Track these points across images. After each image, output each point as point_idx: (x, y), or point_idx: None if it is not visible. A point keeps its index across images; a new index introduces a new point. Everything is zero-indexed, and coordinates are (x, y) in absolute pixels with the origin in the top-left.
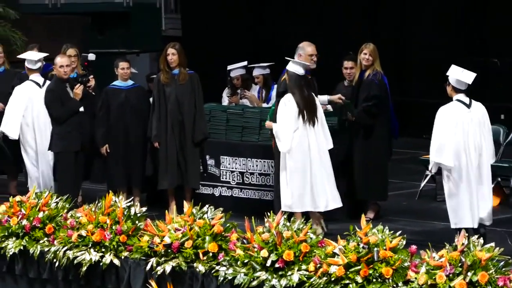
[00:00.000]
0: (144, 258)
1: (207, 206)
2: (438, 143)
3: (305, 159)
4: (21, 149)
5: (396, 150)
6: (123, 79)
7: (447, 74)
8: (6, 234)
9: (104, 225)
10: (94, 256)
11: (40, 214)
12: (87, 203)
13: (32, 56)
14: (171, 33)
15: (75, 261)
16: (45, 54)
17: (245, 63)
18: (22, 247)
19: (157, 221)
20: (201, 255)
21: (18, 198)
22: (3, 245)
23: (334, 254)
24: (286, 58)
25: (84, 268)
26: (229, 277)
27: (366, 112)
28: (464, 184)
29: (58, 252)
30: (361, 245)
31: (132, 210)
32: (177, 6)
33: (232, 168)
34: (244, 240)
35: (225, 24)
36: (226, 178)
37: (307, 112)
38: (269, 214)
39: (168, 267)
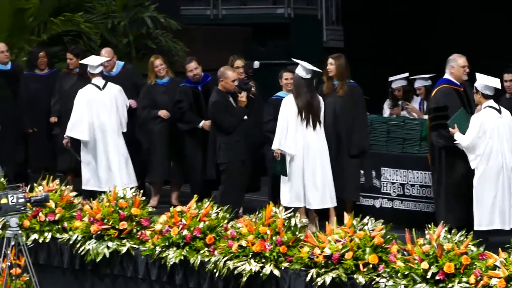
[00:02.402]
0: (304, 269)
1: (367, 217)
2: (477, 150)
3: (303, 159)
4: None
5: None
6: (287, 90)
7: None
8: (167, 244)
9: (264, 236)
10: (254, 266)
11: (201, 225)
12: (248, 213)
13: (93, 61)
14: (333, 44)
15: (235, 272)
16: (106, 59)
17: (406, 74)
18: (182, 257)
19: (317, 232)
20: (361, 267)
21: (179, 208)
22: (164, 255)
23: (495, 267)
24: (292, 59)
25: (244, 279)
26: None
27: None
28: (499, 186)
29: (218, 262)
30: None
31: (293, 221)
32: (338, 17)
33: (393, 179)
34: (405, 252)
35: (387, 35)
36: (386, 190)
37: (307, 114)
38: (429, 226)
39: (328, 278)
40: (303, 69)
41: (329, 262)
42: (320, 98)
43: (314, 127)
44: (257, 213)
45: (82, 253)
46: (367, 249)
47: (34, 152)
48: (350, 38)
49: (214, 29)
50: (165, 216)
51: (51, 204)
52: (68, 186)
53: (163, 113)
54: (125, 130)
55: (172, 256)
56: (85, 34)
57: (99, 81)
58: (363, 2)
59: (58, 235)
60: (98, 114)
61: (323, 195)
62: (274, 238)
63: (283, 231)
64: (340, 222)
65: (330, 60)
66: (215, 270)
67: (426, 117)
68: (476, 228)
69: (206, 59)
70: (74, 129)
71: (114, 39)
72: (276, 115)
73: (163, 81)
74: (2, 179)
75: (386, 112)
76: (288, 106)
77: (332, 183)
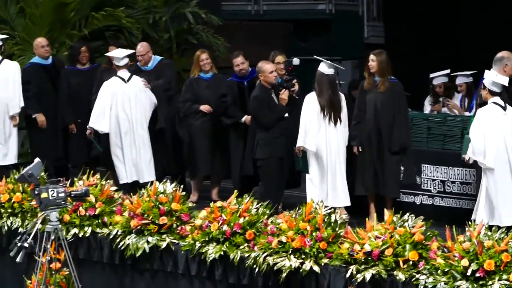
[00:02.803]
0: (344, 265)
1: (407, 214)
2: (479, 146)
3: (326, 156)
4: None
5: None
6: None
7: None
8: (207, 239)
9: (304, 232)
10: (294, 262)
11: (241, 220)
12: (288, 209)
13: (118, 54)
14: (373, 40)
15: (275, 267)
16: (131, 51)
17: (448, 71)
18: (222, 253)
19: (357, 228)
20: (401, 263)
21: (219, 203)
22: (204, 250)
23: None
24: (314, 56)
25: (284, 275)
26: (430, 286)
27: None
28: (508, 181)
29: (258, 258)
30: None
31: (333, 217)
32: (379, 13)
33: (433, 176)
34: (445, 249)
35: (428, 32)
36: (427, 187)
37: (329, 110)
38: (470, 223)
39: (368, 275)
40: (325, 65)
41: (369, 258)
42: (342, 95)
43: (335, 123)
44: (297, 209)
45: (122, 248)
46: (407, 246)
47: (74, 146)
48: (391, 35)
49: (255, 25)
50: (205, 211)
51: (91, 198)
52: (108, 181)
53: (205, 107)
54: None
55: (212, 251)
56: (126, 29)
57: (124, 73)
58: None
59: (98, 230)
60: (123, 106)
61: (339, 193)
62: (314, 234)
63: (323, 227)
64: (380, 218)
65: (372, 57)
66: (254, 266)
67: (467, 114)
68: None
69: (247, 54)
70: (97, 120)
71: (155, 34)
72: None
73: (207, 75)
74: (43, 173)
75: (427, 108)
76: (311, 103)
77: (345, 182)
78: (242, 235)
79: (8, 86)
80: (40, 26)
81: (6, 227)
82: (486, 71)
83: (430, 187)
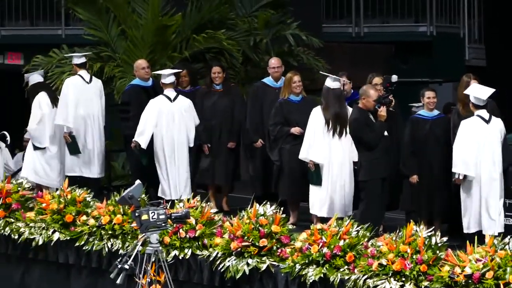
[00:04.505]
0: None
1: (508, 237)
2: (462, 157)
3: (328, 168)
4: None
5: None
6: (429, 109)
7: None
8: (307, 261)
9: (405, 254)
10: (394, 285)
11: (341, 242)
12: (388, 231)
13: (165, 72)
14: (475, 63)
15: None
16: (177, 70)
17: None
18: (322, 275)
19: (458, 251)
20: (502, 286)
21: (319, 226)
22: (303, 273)
23: None
24: (320, 72)
25: None
26: None
27: None
28: (474, 192)
29: (358, 281)
30: None
31: (433, 240)
32: (481, 35)
33: None
34: None
35: None
36: None
37: (334, 123)
38: None
39: None
40: (330, 80)
41: (470, 281)
42: (349, 108)
43: (340, 136)
44: (397, 231)
45: (222, 270)
46: (508, 269)
47: None
48: (492, 57)
49: (356, 47)
50: (305, 233)
51: (192, 220)
52: (209, 203)
53: (296, 129)
54: (192, 145)
55: (312, 273)
56: (227, 51)
57: (171, 92)
58: (507, 21)
59: (198, 252)
60: (167, 125)
61: (338, 203)
62: (414, 256)
63: (423, 250)
64: (481, 241)
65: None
66: None
67: None
68: (465, 231)
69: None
70: (140, 135)
71: (256, 57)
72: (414, 134)
73: (296, 98)
74: (144, 195)
75: None
76: (316, 117)
77: (351, 194)
78: (342, 258)
79: (100, 102)
80: (141, 48)
81: (106, 249)
82: (472, 85)
83: None
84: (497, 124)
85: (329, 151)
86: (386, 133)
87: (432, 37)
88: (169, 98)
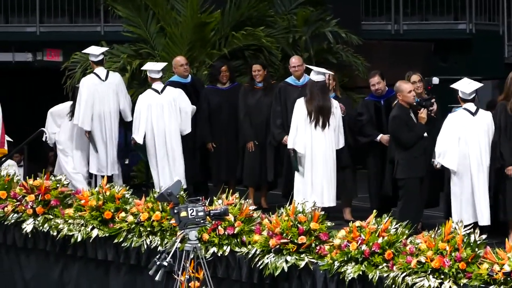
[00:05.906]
0: (483, 285)
1: None
2: (443, 148)
3: (311, 159)
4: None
5: None
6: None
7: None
8: (345, 259)
9: (443, 252)
10: (433, 282)
11: (380, 240)
12: (427, 229)
13: (154, 67)
14: None
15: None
16: (165, 64)
17: None
18: (361, 272)
19: (497, 248)
20: None
21: (357, 223)
22: (342, 270)
23: None
24: (307, 65)
25: None
26: None
27: None
28: (467, 184)
29: (397, 278)
30: None
31: (472, 237)
32: None
33: None
34: None
35: None
36: None
37: (317, 115)
38: None
39: None
40: (314, 73)
41: (509, 279)
42: (334, 101)
43: (323, 128)
44: (436, 229)
45: (261, 267)
46: None
47: (214, 165)
48: None
49: (395, 44)
50: (344, 231)
51: (230, 217)
52: (247, 200)
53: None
54: (186, 133)
55: (351, 271)
56: (266, 48)
57: (158, 85)
58: None
59: (236, 249)
60: (157, 118)
61: (323, 193)
62: (453, 254)
63: (462, 248)
64: None
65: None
66: (393, 286)
67: None
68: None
69: (386, 74)
70: (135, 131)
71: (295, 54)
72: None
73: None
74: (182, 192)
75: None
76: (298, 108)
77: (333, 184)
78: (381, 255)
79: (119, 97)
80: (180, 45)
81: (145, 246)
82: (462, 79)
83: None
84: (485, 116)
85: (311, 142)
86: (426, 134)
87: (471, 35)
88: (156, 91)
